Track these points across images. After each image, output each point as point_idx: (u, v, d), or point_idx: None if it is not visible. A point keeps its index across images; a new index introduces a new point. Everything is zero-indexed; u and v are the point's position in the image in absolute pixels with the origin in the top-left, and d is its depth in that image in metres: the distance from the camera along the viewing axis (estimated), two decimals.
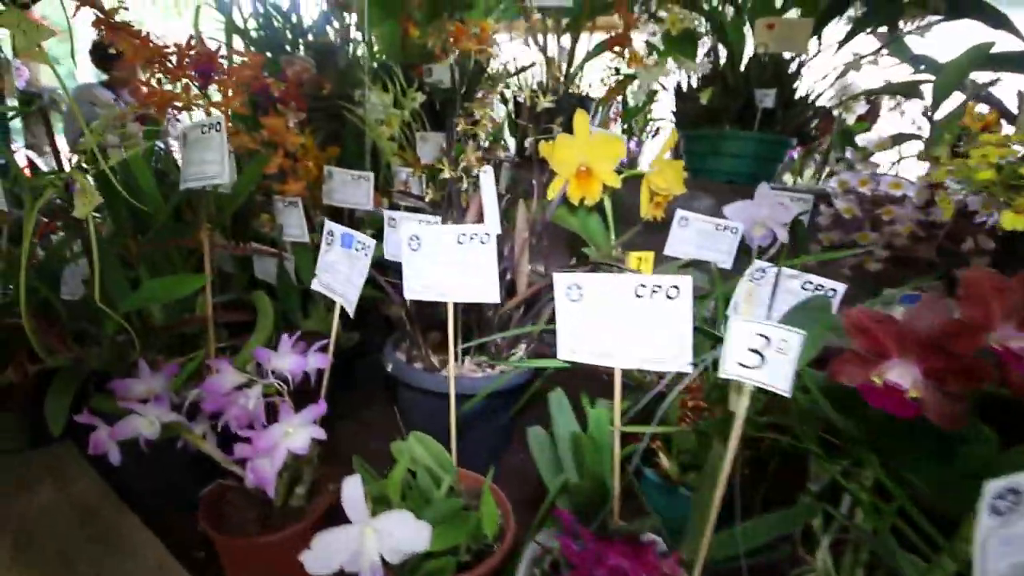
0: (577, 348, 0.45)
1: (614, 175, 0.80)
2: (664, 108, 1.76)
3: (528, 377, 0.69)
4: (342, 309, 0.55)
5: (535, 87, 1.37)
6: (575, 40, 1.33)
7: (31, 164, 3.09)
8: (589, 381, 0.68)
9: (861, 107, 1.63)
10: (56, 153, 0.86)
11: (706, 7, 1.11)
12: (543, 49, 1.38)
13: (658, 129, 1.93)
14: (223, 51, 1.36)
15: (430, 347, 0.73)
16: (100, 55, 2.44)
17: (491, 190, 0.64)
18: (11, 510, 0.61)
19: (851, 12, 0.99)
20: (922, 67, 1.14)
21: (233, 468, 0.51)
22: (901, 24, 0.94)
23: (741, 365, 0.32)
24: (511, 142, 1.92)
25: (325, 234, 0.55)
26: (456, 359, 0.70)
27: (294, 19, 1.75)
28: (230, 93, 0.67)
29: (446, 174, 0.66)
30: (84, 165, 0.51)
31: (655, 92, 1.51)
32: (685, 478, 0.57)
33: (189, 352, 0.65)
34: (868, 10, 0.95)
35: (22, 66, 3.01)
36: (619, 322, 0.42)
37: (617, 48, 1.13)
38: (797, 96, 1.11)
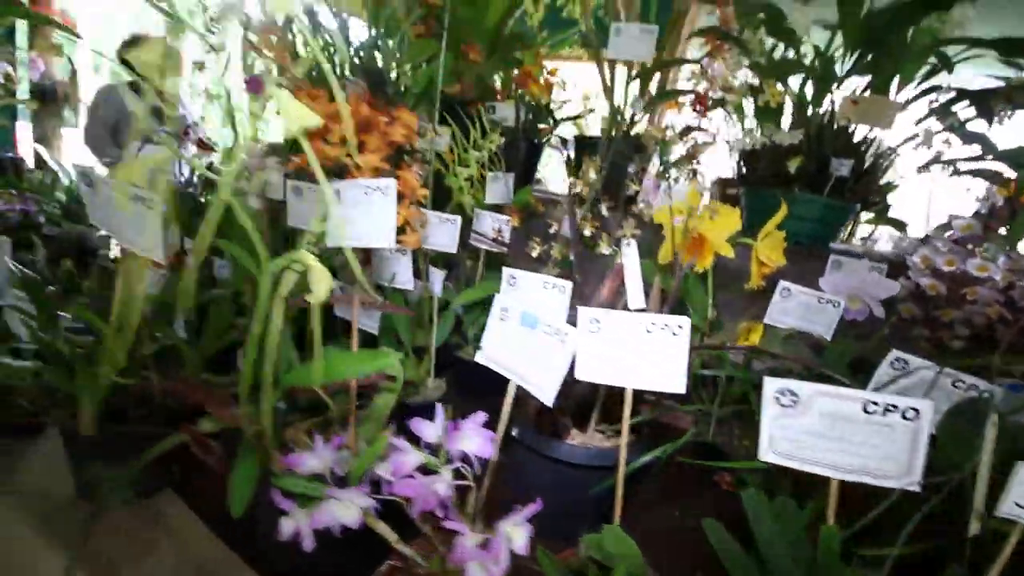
0: (782, 451, 0.45)
1: (727, 245, 0.81)
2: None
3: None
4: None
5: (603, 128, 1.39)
6: (645, 86, 1.36)
7: (38, 159, 3.02)
8: (712, 455, 0.68)
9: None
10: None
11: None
12: (610, 93, 1.40)
13: (695, 172, 1.97)
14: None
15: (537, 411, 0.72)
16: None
17: (636, 263, 0.65)
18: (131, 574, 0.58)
19: (933, 95, 1.05)
20: (973, 144, 1.19)
21: (404, 550, 0.49)
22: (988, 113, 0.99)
23: (1019, 506, 0.33)
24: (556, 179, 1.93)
25: (499, 309, 0.55)
26: (583, 427, 0.69)
27: (341, 39, 1.74)
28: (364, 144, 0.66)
29: (603, 250, 0.67)
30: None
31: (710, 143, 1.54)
32: None
33: (308, 415, 0.63)
34: (955, 99, 1.00)
35: (37, 58, 2.92)
36: (839, 434, 0.43)
37: (698, 106, 1.16)
38: (870, 166, 1.15)
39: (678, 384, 0.51)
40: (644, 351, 0.51)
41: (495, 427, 0.52)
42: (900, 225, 1.58)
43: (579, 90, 1.65)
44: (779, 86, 1.05)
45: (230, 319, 0.66)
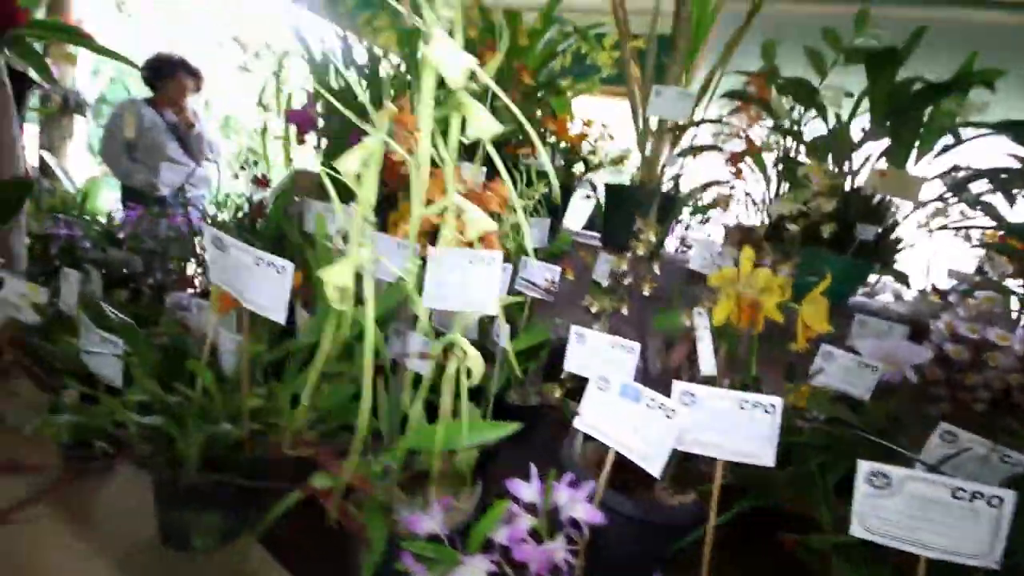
0: (872, 528, 0.49)
1: (777, 311, 0.87)
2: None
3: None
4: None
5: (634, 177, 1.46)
6: (677, 140, 1.43)
7: (43, 166, 2.99)
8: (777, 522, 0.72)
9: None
10: None
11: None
12: (643, 145, 1.47)
13: (708, 219, 2.05)
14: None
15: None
16: (150, 72, 2.41)
17: (707, 333, 0.69)
18: None
19: (952, 169, 1.13)
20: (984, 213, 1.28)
21: None
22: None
23: None
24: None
25: (597, 378, 0.59)
26: (650, 485, 0.73)
27: (371, 69, 1.80)
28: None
29: (685, 321, 0.71)
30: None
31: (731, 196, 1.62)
32: None
33: None
34: (974, 176, 1.08)
35: (52, 66, 2.92)
36: (928, 515, 0.47)
37: (734, 167, 1.23)
38: (886, 228, 1.23)
39: (768, 458, 0.55)
40: (736, 425, 0.55)
41: (547, 469, 0.55)
42: (903, 277, 1.67)
43: (601, 128, 1.72)
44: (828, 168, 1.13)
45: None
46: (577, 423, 0.59)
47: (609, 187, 1.52)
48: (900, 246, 1.28)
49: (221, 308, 0.72)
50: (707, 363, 0.68)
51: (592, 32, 1.69)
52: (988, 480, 0.61)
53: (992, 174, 1.07)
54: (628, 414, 0.56)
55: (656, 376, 0.79)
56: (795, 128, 1.35)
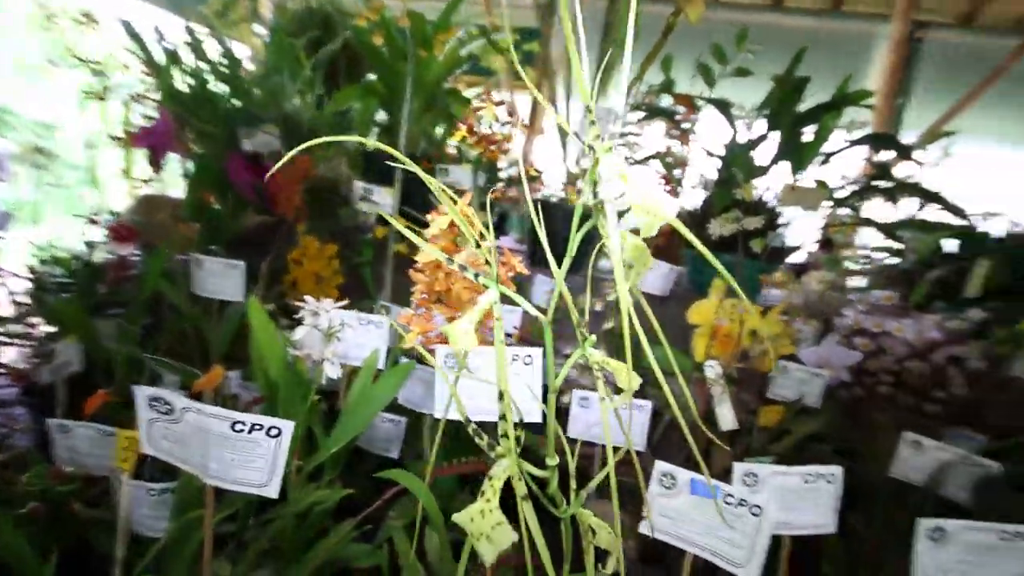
0: None
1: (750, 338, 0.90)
2: None
3: None
4: None
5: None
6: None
7: None
8: None
9: None
10: None
11: None
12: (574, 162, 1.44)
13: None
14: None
15: None
16: None
17: (724, 388, 0.68)
18: None
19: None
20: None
21: None
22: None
23: None
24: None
25: (660, 474, 0.53)
26: None
27: (231, 72, 1.54)
28: None
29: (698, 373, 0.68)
30: None
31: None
32: None
33: None
34: (868, 187, 1.24)
35: None
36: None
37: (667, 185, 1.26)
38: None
39: (831, 526, 0.55)
40: (799, 499, 0.54)
41: None
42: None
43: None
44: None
45: None
46: (644, 528, 0.54)
47: (542, 204, 1.46)
48: (793, 247, 1.43)
49: (130, 459, 0.52)
50: (728, 420, 0.67)
51: (493, 35, 1.60)
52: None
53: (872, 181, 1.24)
54: (703, 513, 0.52)
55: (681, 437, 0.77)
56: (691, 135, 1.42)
